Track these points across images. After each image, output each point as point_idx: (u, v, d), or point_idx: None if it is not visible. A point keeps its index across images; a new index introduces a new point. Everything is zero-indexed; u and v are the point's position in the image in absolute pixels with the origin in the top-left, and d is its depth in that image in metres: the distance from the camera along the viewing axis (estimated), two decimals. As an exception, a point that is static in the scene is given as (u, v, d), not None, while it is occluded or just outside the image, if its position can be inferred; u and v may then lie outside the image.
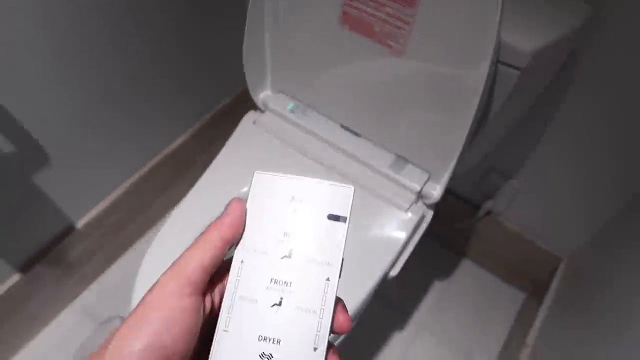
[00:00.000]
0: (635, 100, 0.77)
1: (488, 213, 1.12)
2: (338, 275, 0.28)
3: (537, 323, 0.98)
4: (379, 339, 1.13)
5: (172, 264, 0.27)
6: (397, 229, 0.75)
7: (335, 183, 0.29)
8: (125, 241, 1.20)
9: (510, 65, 0.66)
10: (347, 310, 0.29)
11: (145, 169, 1.12)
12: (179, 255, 0.27)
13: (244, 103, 0.91)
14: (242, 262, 0.29)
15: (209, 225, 0.28)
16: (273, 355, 0.27)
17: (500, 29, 0.59)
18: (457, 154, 0.70)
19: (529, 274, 1.17)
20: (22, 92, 0.78)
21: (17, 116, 0.78)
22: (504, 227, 1.12)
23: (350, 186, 0.29)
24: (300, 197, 0.29)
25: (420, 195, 0.77)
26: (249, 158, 0.81)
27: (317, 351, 0.27)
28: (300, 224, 0.29)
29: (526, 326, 1.02)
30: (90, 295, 1.14)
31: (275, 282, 0.28)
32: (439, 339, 1.14)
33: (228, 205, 0.29)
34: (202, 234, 0.28)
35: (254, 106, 0.88)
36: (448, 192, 0.77)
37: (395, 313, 1.17)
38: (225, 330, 0.28)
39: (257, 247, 0.29)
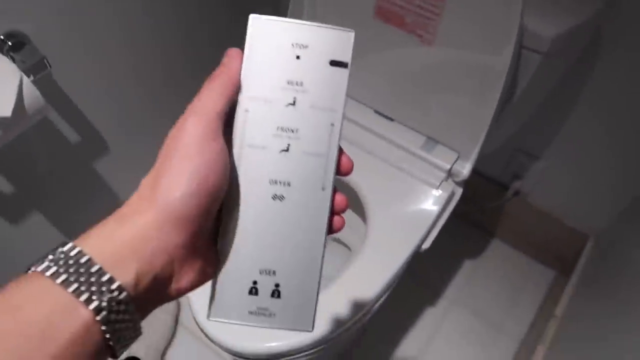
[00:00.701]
0: (658, 79, 0.81)
1: (516, 193, 1.16)
2: (341, 121, 0.29)
3: (566, 296, 1.02)
4: (412, 314, 1.19)
5: (188, 114, 0.28)
6: (428, 204, 0.80)
7: (336, 27, 0.29)
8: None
9: (532, 50, 0.71)
10: (348, 157, 0.30)
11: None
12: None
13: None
14: (246, 111, 0.29)
15: (211, 76, 0.29)
16: (285, 196, 0.29)
17: (523, 15, 0.63)
18: (484, 134, 0.76)
19: (557, 252, 1.20)
20: (83, 87, 0.86)
21: (83, 109, 0.87)
22: (532, 207, 1.16)
23: (351, 30, 0.29)
24: (302, 43, 0.29)
25: (450, 173, 0.82)
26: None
27: (324, 191, 0.29)
28: (303, 71, 0.29)
29: (555, 301, 1.06)
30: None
31: (282, 129, 0.29)
32: (470, 313, 1.20)
33: (226, 54, 0.29)
34: (207, 83, 0.29)
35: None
36: (477, 173, 0.82)
37: (427, 290, 1.23)
38: (239, 175, 0.29)
39: (261, 95, 0.29)
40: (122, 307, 0.23)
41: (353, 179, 0.84)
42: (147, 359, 1.03)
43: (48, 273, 0.23)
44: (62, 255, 0.23)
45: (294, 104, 0.29)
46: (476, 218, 1.28)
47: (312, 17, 0.84)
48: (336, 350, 1.06)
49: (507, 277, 1.25)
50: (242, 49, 0.30)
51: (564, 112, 0.96)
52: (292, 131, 0.29)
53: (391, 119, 0.87)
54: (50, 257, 0.23)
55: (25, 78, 0.65)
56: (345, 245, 1.03)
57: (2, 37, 0.68)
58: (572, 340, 0.89)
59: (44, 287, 0.22)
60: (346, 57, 0.29)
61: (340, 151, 0.30)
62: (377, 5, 0.75)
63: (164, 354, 1.10)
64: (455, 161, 0.82)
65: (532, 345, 1.00)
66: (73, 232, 0.98)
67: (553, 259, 1.23)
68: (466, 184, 0.84)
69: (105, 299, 0.23)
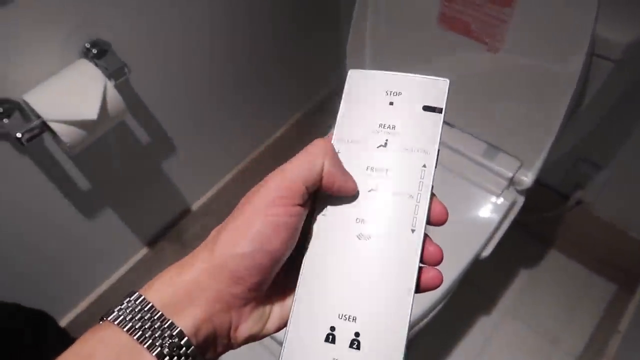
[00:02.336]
0: None
1: (578, 203, 1.13)
2: (434, 163, 0.28)
3: (630, 311, 0.98)
4: (465, 321, 1.18)
5: (276, 174, 0.27)
6: (489, 212, 0.80)
7: (431, 76, 0.29)
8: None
9: (604, 57, 0.70)
10: (442, 204, 0.28)
11: (249, 159, 1.24)
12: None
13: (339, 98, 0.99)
14: (337, 152, 0.29)
15: (313, 145, 0.28)
16: (371, 236, 0.27)
17: (596, 23, 0.62)
18: (550, 143, 0.74)
19: (620, 265, 1.16)
20: (156, 93, 0.91)
21: (154, 113, 0.92)
22: (594, 217, 1.13)
23: (446, 79, 0.29)
24: (395, 90, 0.29)
25: (512, 182, 0.81)
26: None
27: (414, 232, 0.27)
28: (395, 115, 0.29)
29: (617, 316, 1.03)
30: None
31: (372, 169, 0.28)
32: (524, 324, 1.17)
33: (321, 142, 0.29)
34: (310, 151, 0.28)
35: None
36: (536, 181, 0.81)
37: (482, 298, 1.21)
38: (324, 215, 0.29)
39: (353, 137, 0.29)
40: (183, 352, 0.25)
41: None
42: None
43: (117, 322, 0.25)
44: (130, 304, 0.25)
45: (385, 145, 0.28)
46: (534, 227, 1.25)
47: (376, 26, 0.85)
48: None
49: (564, 289, 1.22)
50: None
51: (631, 120, 0.93)
52: (382, 171, 0.28)
53: (452, 126, 0.87)
54: (119, 307, 0.25)
55: (109, 83, 0.70)
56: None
57: (88, 45, 0.74)
58: (638, 358, 0.86)
59: (113, 334, 0.24)
60: (440, 103, 0.29)
61: (433, 198, 0.28)
62: (441, 12, 0.75)
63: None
64: (518, 169, 0.81)
65: (593, 360, 0.97)
66: (140, 230, 1.02)
67: (615, 271, 1.19)
68: (527, 189, 0.83)
69: (166, 344, 0.24)
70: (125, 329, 0.24)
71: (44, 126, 0.67)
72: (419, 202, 0.27)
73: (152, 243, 1.13)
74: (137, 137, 0.93)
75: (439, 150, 0.29)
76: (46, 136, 0.75)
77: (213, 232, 0.28)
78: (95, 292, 1.05)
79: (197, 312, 0.25)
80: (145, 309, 0.25)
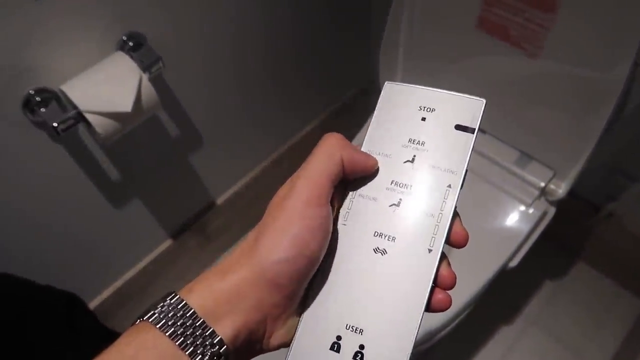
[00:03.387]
0: None
1: (610, 215, 1.10)
2: (460, 184, 0.28)
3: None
4: (486, 330, 1.16)
5: (301, 174, 0.28)
6: (519, 222, 0.78)
7: (467, 95, 0.29)
8: (254, 219, 1.32)
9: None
10: (463, 227, 0.28)
11: (273, 156, 1.24)
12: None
13: (365, 98, 0.99)
14: None
15: (323, 139, 0.29)
16: (387, 251, 0.27)
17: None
18: (586, 154, 0.72)
19: (651, 281, 1.13)
20: (187, 87, 0.92)
21: (185, 106, 0.93)
22: (626, 230, 1.10)
23: (482, 99, 0.29)
24: (429, 107, 0.29)
25: (543, 192, 0.80)
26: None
27: (431, 253, 0.27)
28: (426, 131, 0.29)
29: (645, 332, 1.00)
30: (223, 264, 1.29)
31: (396, 183, 0.29)
32: (547, 335, 1.15)
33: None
34: (325, 146, 0.28)
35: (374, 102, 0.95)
36: (569, 192, 0.79)
37: (505, 307, 1.19)
38: (344, 224, 0.29)
39: (381, 150, 0.29)
40: None
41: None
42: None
43: (158, 325, 0.25)
44: (170, 308, 0.25)
45: (412, 161, 0.28)
46: (562, 237, 1.22)
47: (410, 27, 0.84)
48: None
49: (591, 302, 1.19)
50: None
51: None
52: (406, 187, 0.28)
53: (484, 132, 0.86)
54: (159, 308, 0.25)
55: (144, 76, 0.71)
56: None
57: (125, 37, 0.74)
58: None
59: (155, 338, 0.24)
60: (474, 124, 0.29)
61: (456, 219, 0.28)
62: (480, 16, 0.74)
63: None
64: (551, 179, 0.79)
65: (618, 377, 0.94)
66: (166, 221, 1.03)
67: (645, 287, 1.16)
68: (560, 200, 0.81)
69: (208, 352, 0.24)
70: (167, 334, 0.24)
71: (80, 117, 0.68)
72: (439, 222, 0.27)
73: (176, 235, 1.14)
74: (166, 131, 0.93)
75: (466, 172, 0.28)
76: (80, 126, 0.77)
77: (250, 236, 0.28)
78: (121, 279, 1.07)
79: (237, 320, 0.26)
80: (188, 314, 0.25)
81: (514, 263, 0.78)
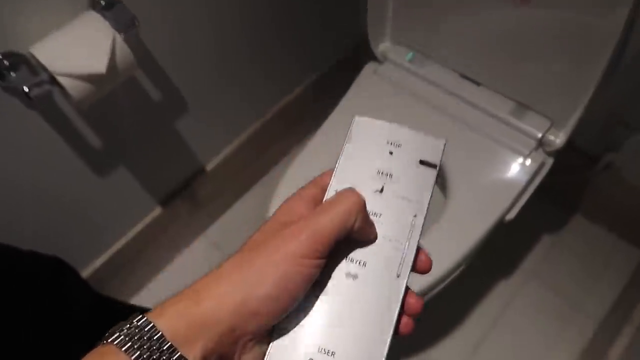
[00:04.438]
0: None
1: (607, 166, 1.08)
2: (424, 214, 0.30)
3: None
4: (484, 285, 1.16)
5: (310, 224, 0.27)
6: (516, 173, 0.76)
7: (430, 134, 0.31)
8: (245, 183, 1.31)
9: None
10: (427, 255, 0.30)
11: (262, 120, 1.21)
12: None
13: (354, 59, 0.95)
14: (335, 192, 0.30)
15: (346, 199, 0.28)
16: (358, 275, 0.29)
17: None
18: (584, 103, 0.70)
19: (648, 231, 1.12)
20: (166, 48, 0.87)
21: (165, 68, 0.89)
22: (624, 182, 1.08)
23: (443, 139, 0.31)
24: (396, 142, 0.31)
25: (541, 142, 0.77)
26: (371, 106, 0.86)
27: (399, 278, 0.28)
28: (393, 164, 0.31)
29: (643, 282, 1.00)
30: (217, 229, 1.28)
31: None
32: (547, 288, 1.15)
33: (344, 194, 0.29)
34: (343, 204, 0.28)
35: (365, 61, 0.91)
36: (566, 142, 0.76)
37: (502, 261, 1.19)
38: None
39: (351, 181, 0.30)
40: None
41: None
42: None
43: (123, 348, 0.24)
44: (137, 330, 0.24)
45: (381, 191, 0.30)
46: (559, 190, 1.21)
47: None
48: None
49: (589, 254, 1.19)
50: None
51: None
52: (376, 215, 0.29)
53: (478, 83, 0.83)
54: (125, 330, 0.25)
55: (117, 36, 0.67)
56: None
57: (95, -5, 0.70)
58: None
59: None
60: (436, 160, 0.31)
61: (422, 248, 0.30)
62: (472, -42, 0.70)
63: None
64: (548, 129, 0.76)
65: (617, 326, 0.95)
66: (154, 189, 1.01)
67: (643, 237, 1.15)
68: (557, 151, 0.78)
69: None
70: (132, 358, 0.24)
71: (52, 80, 0.64)
72: (406, 249, 0.29)
73: (166, 202, 1.12)
74: (147, 94, 0.90)
75: (429, 203, 0.30)
76: (55, 92, 0.73)
77: (230, 262, 0.28)
78: (112, 249, 1.05)
79: (208, 344, 0.25)
80: (155, 337, 0.24)
81: (511, 215, 0.76)
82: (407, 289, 0.29)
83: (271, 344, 0.28)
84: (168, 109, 0.96)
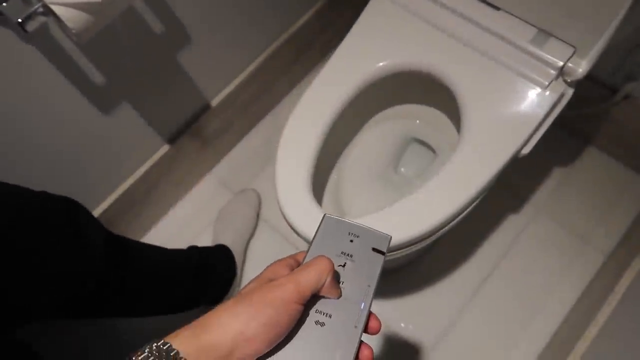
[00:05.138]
0: None
1: (626, 97, 1.04)
2: (375, 285, 0.39)
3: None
4: (493, 219, 1.16)
5: (295, 277, 0.35)
6: (534, 106, 0.73)
7: (379, 231, 0.41)
8: (253, 119, 1.29)
9: None
10: (378, 319, 0.38)
11: (269, 50, 1.16)
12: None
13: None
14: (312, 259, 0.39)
15: (320, 263, 0.36)
16: (325, 324, 0.37)
17: None
18: (611, 27, 0.65)
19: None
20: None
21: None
22: (643, 112, 1.04)
23: (389, 235, 0.41)
24: (356, 234, 0.41)
25: (562, 72, 0.73)
26: (384, 31, 0.81)
27: (356, 328, 0.37)
28: (353, 248, 0.41)
29: (655, 215, 0.99)
30: (224, 167, 1.27)
31: None
32: (556, 222, 1.15)
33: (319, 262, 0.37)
34: (319, 266, 0.36)
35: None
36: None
37: (511, 195, 1.18)
38: None
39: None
40: None
41: (447, 74, 0.77)
42: (234, 247, 1.08)
43: None
44: (156, 348, 0.31)
45: (343, 266, 0.40)
46: (574, 121, 1.18)
47: None
48: (410, 257, 1.06)
49: (600, 187, 1.17)
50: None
51: None
52: (341, 282, 0.39)
53: (497, 8, 0.78)
54: (148, 349, 0.31)
55: (112, -40, 0.62)
56: (429, 147, 0.99)
57: None
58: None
59: None
60: (383, 249, 0.41)
61: (371, 313, 0.38)
62: None
63: (248, 243, 1.15)
64: (571, 57, 0.72)
65: (625, 259, 0.95)
66: (160, 126, 0.99)
67: (658, 170, 1.13)
68: (578, 81, 0.75)
69: None
70: None
71: (47, 9, 0.60)
72: (363, 308, 0.38)
73: (173, 140, 1.10)
74: (149, 27, 0.86)
75: (379, 278, 0.39)
76: (51, 24, 0.69)
77: (233, 300, 0.34)
78: (121, 187, 1.05)
79: None
80: (171, 354, 0.31)
81: (526, 150, 0.74)
82: (361, 341, 0.37)
83: None
84: (171, 42, 0.92)
